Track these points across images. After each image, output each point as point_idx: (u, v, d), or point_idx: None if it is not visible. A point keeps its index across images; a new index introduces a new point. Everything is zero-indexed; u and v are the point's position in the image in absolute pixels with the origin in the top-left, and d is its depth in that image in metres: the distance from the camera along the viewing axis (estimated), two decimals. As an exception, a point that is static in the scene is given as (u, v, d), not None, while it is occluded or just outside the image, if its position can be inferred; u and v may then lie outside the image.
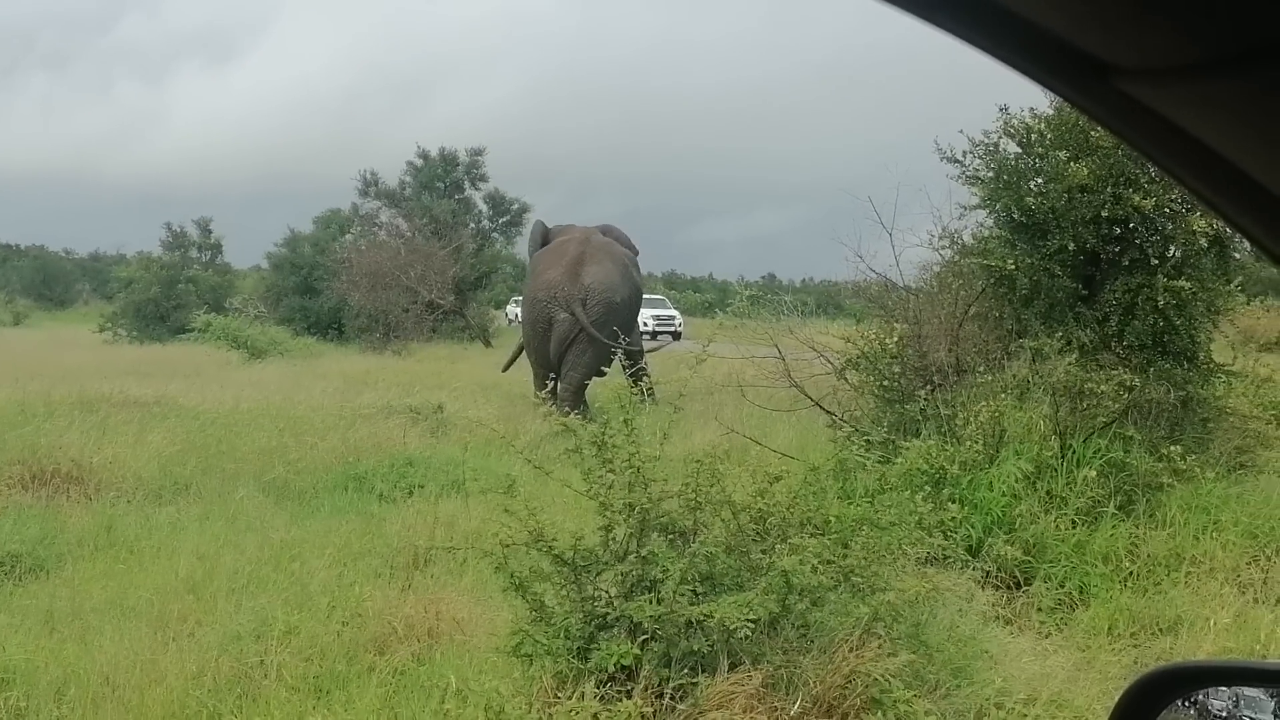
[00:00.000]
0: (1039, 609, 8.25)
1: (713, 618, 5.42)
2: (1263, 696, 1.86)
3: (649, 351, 19.98)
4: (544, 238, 20.80)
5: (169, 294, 46.07)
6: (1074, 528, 9.13)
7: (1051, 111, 11.03)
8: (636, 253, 21.56)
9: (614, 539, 5.98)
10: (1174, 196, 10.39)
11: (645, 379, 18.02)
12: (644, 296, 21.33)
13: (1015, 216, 11.14)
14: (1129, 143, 0.82)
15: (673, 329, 49.10)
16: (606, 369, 18.74)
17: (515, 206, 47.51)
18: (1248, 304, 14.98)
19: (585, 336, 18.09)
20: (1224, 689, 1.90)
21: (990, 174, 11.43)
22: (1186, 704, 1.90)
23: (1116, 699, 1.94)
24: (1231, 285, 11.38)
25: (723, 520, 6.18)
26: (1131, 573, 8.76)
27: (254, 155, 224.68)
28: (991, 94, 11.60)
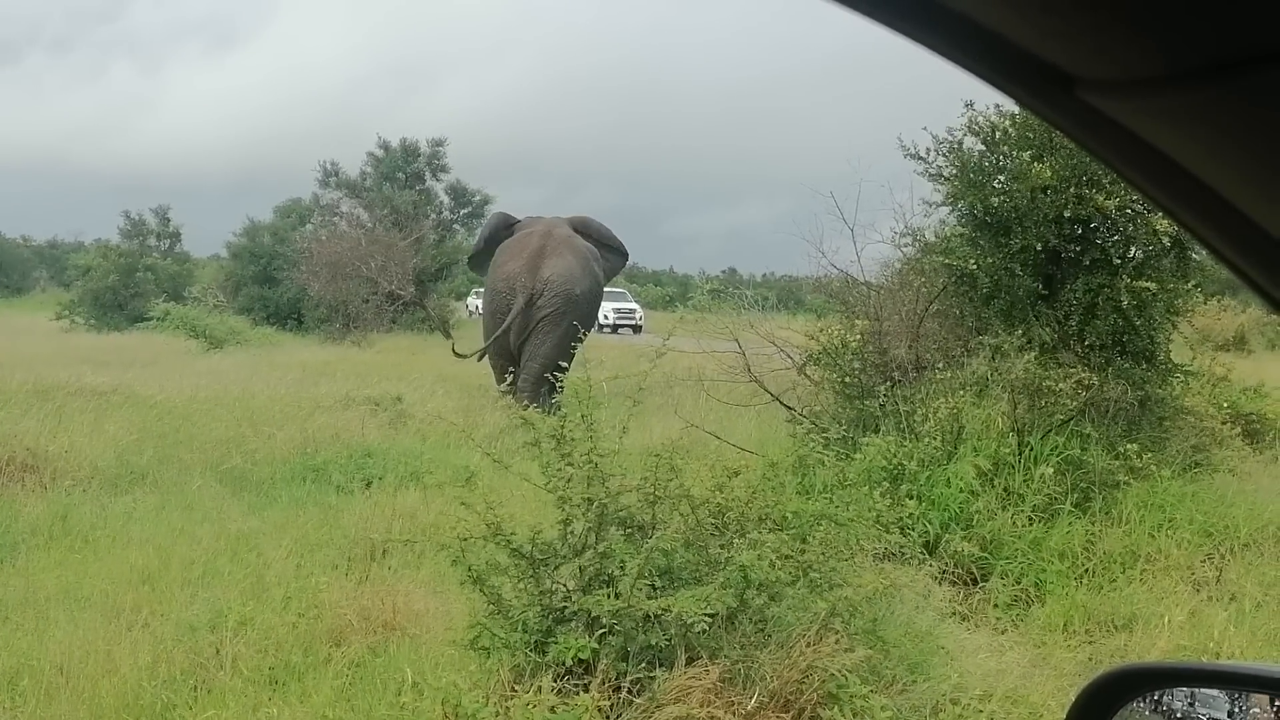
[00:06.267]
0: (995, 605, 8.29)
1: (670, 612, 5.42)
2: (1219, 697, 1.87)
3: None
4: (505, 229, 20.52)
5: (127, 282, 45.66)
6: (1031, 524, 9.19)
7: (1016, 110, 11.05)
8: (626, 256, 21.46)
9: (572, 533, 5.97)
10: (1135, 198, 10.44)
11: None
12: (604, 290, 21.16)
13: (979, 215, 11.18)
14: (1091, 152, 0.82)
15: (633, 322, 49.18)
16: (567, 363, 18.68)
17: (477, 198, 47.23)
18: (1205, 303, 15.10)
19: (544, 328, 18.03)
20: (1181, 689, 1.92)
21: (954, 171, 11.44)
22: (1143, 703, 1.91)
23: (1073, 697, 1.95)
24: (1190, 285, 11.44)
25: (681, 514, 6.18)
26: (1087, 570, 8.82)
27: (244, 145, 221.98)
28: (982, 96, 11.55)
